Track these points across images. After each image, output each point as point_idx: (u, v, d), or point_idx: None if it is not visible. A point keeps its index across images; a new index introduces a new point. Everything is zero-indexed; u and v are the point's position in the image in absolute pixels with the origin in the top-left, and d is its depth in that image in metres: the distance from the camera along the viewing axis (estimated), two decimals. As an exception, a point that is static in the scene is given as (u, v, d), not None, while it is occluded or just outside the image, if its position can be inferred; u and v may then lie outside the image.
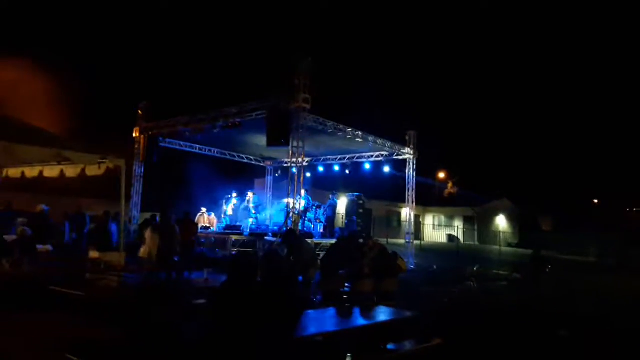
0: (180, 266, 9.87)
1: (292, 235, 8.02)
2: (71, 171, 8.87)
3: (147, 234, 9.74)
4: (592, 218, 32.38)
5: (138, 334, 4.91)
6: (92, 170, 8.74)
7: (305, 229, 14.94)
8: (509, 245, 32.32)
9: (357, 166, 18.44)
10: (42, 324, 5.16)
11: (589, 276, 17.66)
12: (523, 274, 14.35)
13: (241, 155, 19.65)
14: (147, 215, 13.42)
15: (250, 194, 16.91)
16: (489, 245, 31.26)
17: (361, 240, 8.59)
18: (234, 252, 13.93)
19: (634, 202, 38.26)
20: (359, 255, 7.47)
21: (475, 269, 12.77)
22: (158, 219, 11.32)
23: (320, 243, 15.98)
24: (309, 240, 14.80)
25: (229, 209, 17.07)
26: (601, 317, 8.90)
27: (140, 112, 16.25)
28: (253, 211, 16.16)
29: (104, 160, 8.50)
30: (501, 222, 36.79)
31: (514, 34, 63.16)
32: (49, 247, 9.48)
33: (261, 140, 13.38)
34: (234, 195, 17.31)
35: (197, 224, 14.20)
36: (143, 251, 9.48)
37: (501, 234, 32.20)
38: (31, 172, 9.31)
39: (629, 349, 6.76)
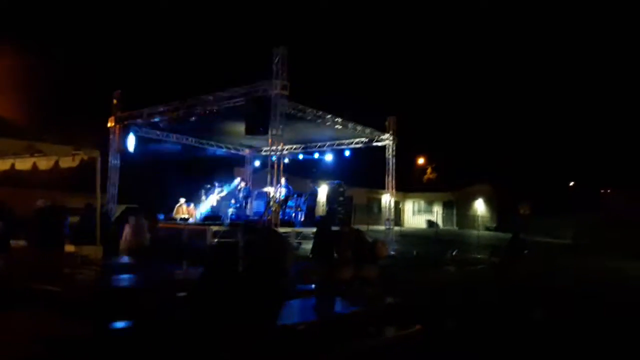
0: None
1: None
2: (44, 163, 8.66)
3: (126, 229, 9.71)
4: (569, 201, 32.99)
5: (116, 328, 4.82)
6: (66, 162, 8.54)
7: (286, 217, 14.92)
8: (487, 229, 32.79)
9: (337, 153, 18.44)
10: (18, 320, 5.03)
11: (565, 258, 18.03)
12: (501, 257, 14.56)
13: (220, 144, 19.46)
14: (123, 207, 13.28)
15: (242, 183, 16.78)
16: (467, 229, 31.67)
17: (336, 228, 8.60)
18: (214, 243, 13.85)
19: (609, 182, 39.03)
20: (337, 242, 7.47)
21: (454, 253, 12.91)
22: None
23: (302, 231, 15.97)
24: (288, 230, 14.85)
25: (211, 199, 16.92)
26: (576, 298, 9.12)
27: (115, 101, 15.93)
28: (239, 199, 16.07)
29: (78, 152, 8.31)
30: (479, 206, 37.28)
31: (492, 17, 63.52)
32: (23, 243, 9.27)
33: (240, 127, 13.26)
34: (216, 185, 17.16)
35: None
36: (122, 247, 9.46)
37: (479, 218, 32.63)
38: (2, 165, 9.07)
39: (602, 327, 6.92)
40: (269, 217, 12.45)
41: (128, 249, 9.41)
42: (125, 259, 9.01)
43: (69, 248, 8.98)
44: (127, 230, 9.63)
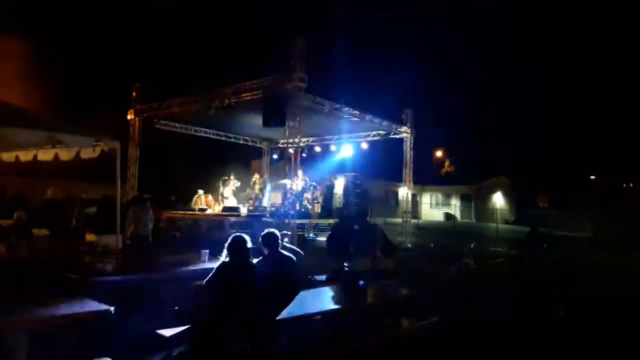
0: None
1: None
2: (65, 154, 8.77)
3: (129, 215, 9.85)
4: (590, 194, 32.48)
5: (136, 315, 4.91)
6: (87, 154, 8.64)
7: (302, 209, 14.95)
8: (506, 222, 32.47)
9: (354, 146, 18.38)
10: (40, 307, 5.14)
11: (585, 252, 17.77)
12: (520, 251, 14.42)
13: (237, 136, 19.54)
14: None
15: (257, 176, 16.97)
16: (486, 222, 31.38)
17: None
18: (231, 234, 13.96)
19: (631, 177, 38.33)
20: (361, 234, 7.47)
21: (472, 246, 12.79)
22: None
23: (318, 223, 15.99)
24: (304, 221, 14.87)
25: (227, 190, 17.03)
26: (597, 291, 8.98)
27: (134, 94, 16.09)
28: (255, 193, 16.21)
29: (98, 143, 8.41)
30: (498, 199, 36.90)
31: (512, 7, 62.50)
32: (45, 231, 9.45)
33: (257, 121, 13.28)
34: (232, 177, 17.28)
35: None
36: (129, 233, 9.61)
37: (498, 211, 32.29)
38: (25, 156, 9.21)
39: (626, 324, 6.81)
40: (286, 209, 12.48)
41: (130, 237, 9.54)
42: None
43: (90, 237, 9.13)
44: (129, 217, 9.75)
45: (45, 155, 8.92)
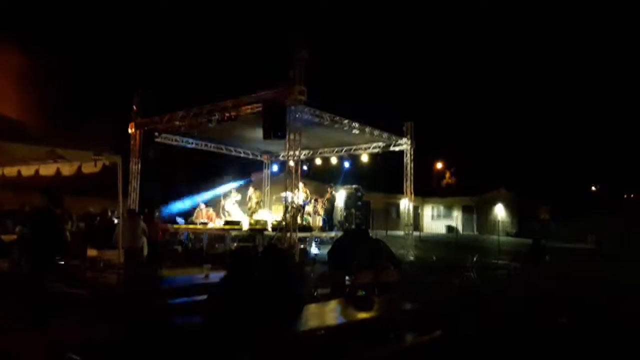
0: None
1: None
2: (67, 169, 8.80)
3: (117, 229, 9.83)
4: (591, 205, 32.43)
5: (139, 331, 4.88)
6: (88, 168, 8.68)
7: (303, 222, 14.94)
8: (508, 234, 32.37)
9: (354, 158, 18.41)
10: (44, 324, 5.13)
11: (588, 263, 17.71)
12: (522, 263, 14.36)
13: (238, 149, 19.59)
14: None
15: (252, 190, 17.05)
16: (488, 235, 31.30)
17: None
18: (233, 247, 13.95)
19: (633, 188, 38.30)
20: (363, 248, 7.48)
21: (474, 259, 12.75)
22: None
23: (320, 236, 15.96)
24: (306, 234, 14.85)
25: (227, 203, 17.05)
26: (600, 303, 8.94)
27: (134, 107, 16.15)
28: (253, 207, 16.25)
29: (99, 157, 8.43)
30: (500, 211, 36.83)
31: (511, 23, 62.97)
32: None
33: (258, 133, 13.33)
34: (234, 190, 17.32)
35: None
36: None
37: (500, 223, 32.22)
38: (27, 170, 9.24)
39: (627, 335, 6.77)
40: (287, 222, 12.46)
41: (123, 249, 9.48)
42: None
43: (92, 252, 9.12)
44: (118, 229, 9.70)
45: (47, 170, 8.94)
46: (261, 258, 5.13)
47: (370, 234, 8.83)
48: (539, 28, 62.99)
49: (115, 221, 13.17)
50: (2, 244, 8.38)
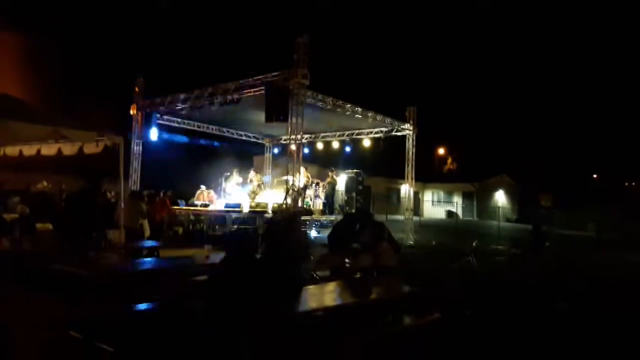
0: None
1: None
2: (69, 149, 8.82)
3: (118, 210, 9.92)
4: (592, 193, 32.43)
5: (140, 311, 4.92)
6: (90, 148, 8.69)
7: (304, 205, 14.96)
8: (508, 220, 32.43)
9: (356, 142, 18.38)
10: (45, 301, 5.18)
11: (588, 251, 17.76)
12: (522, 249, 14.42)
13: (239, 132, 19.55)
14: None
15: (252, 173, 16.99)
16: (488, 220, 31.35)
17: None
18: (233, 229, 14.00)
19: (634, 177, 38.28)
20: (363, 232, 7.48)
21: (474, 244, 12.79)
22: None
23: (320, 219, 16.00)
24: (306, 218, 14.89)
25: (228, 186, 17.06)
26: (599, 289, 8.99)
27: (136, 89, 16.10)
28: (254, 190, 16.22)
29: (101, 138, 8.44)
30: (500, 197, 36.85)
31: (517, 11, 62.37)
32: (48, 226, 9.49)
33: (260, 116, 13.28)
34: (235, 172, 17.31)
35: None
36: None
37: (500, 209, 32.25)
38: (29, 150, 9.25)
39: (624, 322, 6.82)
40: (288, 205, 12.48)
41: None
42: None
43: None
44: (119, 210, 9.78)
45: (49, 149, 8.96)
46: (264, 236, 5.15)
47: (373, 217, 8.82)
48: (543, 16, 62.37)
49: (113, 201, 13.25)
50: (4, 222, 8.42)
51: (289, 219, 6.30)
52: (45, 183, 12.65)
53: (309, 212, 15.28)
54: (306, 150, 19.51)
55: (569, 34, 62.83)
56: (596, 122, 47.23)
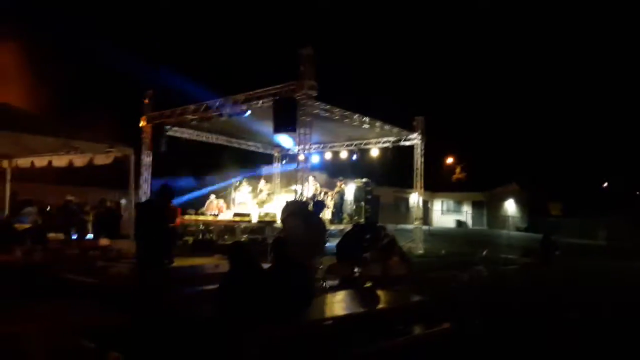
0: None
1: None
2: (79, 160, 8.93)
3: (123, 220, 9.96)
4: (602, 201, 32.13)
5: (150, 320, 4.95)
6: (101, 159, 8.80)
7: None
8: (518, 229, 32.22)
9: (364, 152, 18.40)
10: (56, 310, 5.21)
11: (599, 260, 17.58)
12: (532, 258, 14.31)
13: (248, 142, 19.66)
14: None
15: (265, 185, 17.07)
16: (497, 229, 31.18)
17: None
18: (242, 239, 14.04)
19: (645, 185, 37.86)
20: (373, 242, 7.51)
21: (484, 253, 12.74)
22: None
23: (329, 228, 15.97)
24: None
25: (238, 195, 17.14)
26: (611, 299, 8.89)
27: (146, 101, 16.28)
28: (263, 200, 16.28)
29: (111, 149, 8.54)
30: (510, 206, 36.64)
31: (523, 19, 62.34)
32: (60, 236, 9.57)
33: (268, 127, 13.37)
34: (244, 182, 17.40)
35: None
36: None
37: (510, 218, 32.08)
38: (40, 161, 9.38)
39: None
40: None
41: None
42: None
43: (103, 242, 9.24)
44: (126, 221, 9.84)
45: (60, 161, 9.07)
46: (272, 248, 5.17)
47: (383, 228, 8.83)
48: (551, 23, 62.32)
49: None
50: (16, 233, 8.50)
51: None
52: (70, 197, 12.70)
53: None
54: (316, 160, 19.58)
55: (579, 43, 62.67)
56: (606, 130, 46.89)
